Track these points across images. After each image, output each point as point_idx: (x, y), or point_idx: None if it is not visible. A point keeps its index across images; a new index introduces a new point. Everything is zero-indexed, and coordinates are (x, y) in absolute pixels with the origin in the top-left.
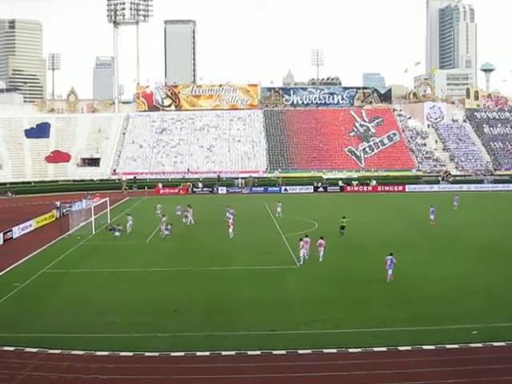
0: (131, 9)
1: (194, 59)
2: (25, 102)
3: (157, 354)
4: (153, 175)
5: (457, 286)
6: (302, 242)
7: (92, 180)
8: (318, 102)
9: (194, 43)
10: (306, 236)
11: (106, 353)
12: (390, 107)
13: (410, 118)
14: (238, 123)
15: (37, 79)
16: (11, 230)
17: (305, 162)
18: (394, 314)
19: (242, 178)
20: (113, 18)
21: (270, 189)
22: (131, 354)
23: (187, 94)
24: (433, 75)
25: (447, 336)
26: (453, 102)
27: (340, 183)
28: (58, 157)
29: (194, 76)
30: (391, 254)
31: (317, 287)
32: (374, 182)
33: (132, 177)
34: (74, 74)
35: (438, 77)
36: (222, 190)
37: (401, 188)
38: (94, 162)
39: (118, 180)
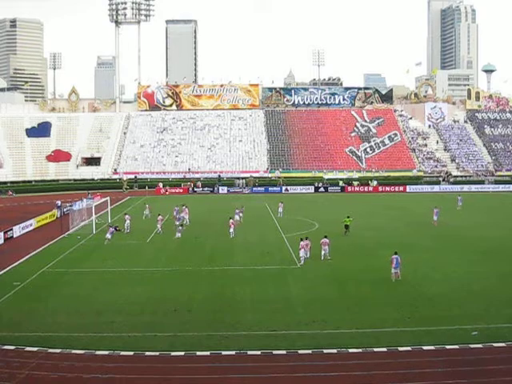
0: (133, 8)
1: (195, 59)
2: (26, 101)
3: (157, 353)
4: (153, 175)
5: (457, 287)
6: (302, 243)
7: (93, 179)
8: (319, 102)
9: (195, 43)
10: (306, 238)
11: (106, 352)
12: (391, 108)
13: (411, 118)
14: (239, 123)
15: (38, 78)
16: (12, 229)
17: (306, 162)
18: (394, 315)
19: (243, 178)
20: (114, 17)
21: (270, 189)
22: (131, 353)
23: (188, 94)
24: (434, 76)
25: (447, 337)
26: (454, 103)
27: (340, 183)
28: (59, 156)
29: (195, 76)
30: (396, 253)
31: (317, 287)
32: (374, 183)
33: (133, 176)
34: (75, 73)
35: (439, 77)
36: (223, 190)
37: (402, 188)
38: (94, 161)
39: (119, 179)
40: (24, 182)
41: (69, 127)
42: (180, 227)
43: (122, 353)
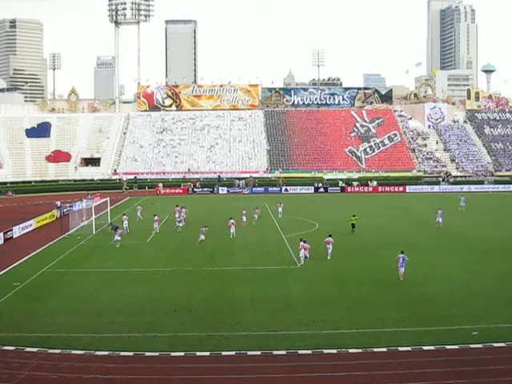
0: (132, 9)
1: (194, 59)
2: (26, 101)
3: (157, 353)
4: (153, 175)
5: (457, 287)
6: (302, 243)
7: (92, 180)
8: (319, 102)
9: (194, 43)
10: (305, 242)
11: (106, 352)
12: (391, 108)
13: (410, 118)
14: (238, 123)
15: (38, 79)
16: (11, 230)
17: (305, 162)
18: (394, 315)
19: (243, 179)
20: (114, 17)
21: (270, 189)
22: (131, 353)
23: (188, 94)
24: (433, 76)
25: (447, 337)
26: (453, 103)
27: (340, 184)
28: (59, 156)
29: (194, 76)
30: (402, 252)
31: (317, 288)
32: (374, 183)
33: (132, 177)
34: (74, 73)
35: (438, 77)
36: (223, 191)
37: (401, 189)
38: (94, 161)
39: (119, 180)
40: (24, 182)
41: (68, 127)
42: (180, 225)
43: (122, 353)
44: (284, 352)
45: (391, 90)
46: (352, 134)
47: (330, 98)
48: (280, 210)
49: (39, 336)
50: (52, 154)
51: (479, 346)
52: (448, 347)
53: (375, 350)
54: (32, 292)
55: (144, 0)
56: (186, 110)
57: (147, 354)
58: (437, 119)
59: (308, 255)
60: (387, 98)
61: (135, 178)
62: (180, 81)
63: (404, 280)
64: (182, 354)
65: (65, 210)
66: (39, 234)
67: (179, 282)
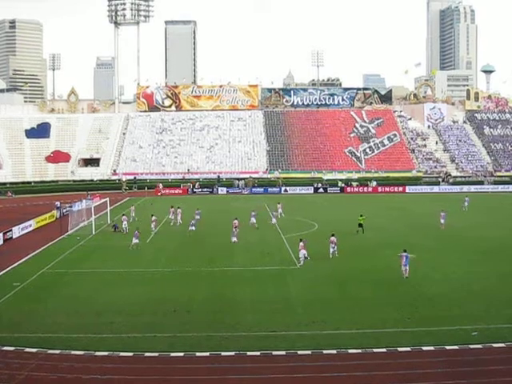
0: (132, 9)
1: (194, 60)
2: (25, 102)
3: (156, 354)
4: (153, 175)
5: (457, 287)
6: (301, 243)
7: (92, 180)
8: (319, 102)
9: (194, 44)
10: (302, 241)
11: (105, 353)
12: (391, 108)
13: (410, 119)
14: (238, 124)
15: (37, 79)
16: (11, 230)
17: (305, 162)
18: (393, 315)
19: (242, 179)
20: (113, 18)
21: (269, 189)
22: (131, 354)
23: (187, 95)
24: (433, 76)
25: (447, 337)
26: (453, 103)
27: (339, 184)
28: (59, 157)
29: (194, 76)
30: (405, 251)
31: (317, 288)
32: (374, 183)
33: (132, 177)
34: (74, 74)
35: (438, 78)
36: (222, 191)
37: (401, 189)
38: (94, 162)
39: (118, 180)
40: (23, 182)
41: (68, 128)
42: (193, 228)
43: (122, 354)
44: (284, 352)
45: (391, 90)
46: (351, 135)
47: (329, 98)
48: (280, 210)
49: (39, 336)
50: (51, 154)
51: (479, 346)
52: (448, 347)
53: (375, 350)
54: (32, 292)
55: (144, 0)
56: (185, 111)
57: (147, 354)
58: (436, 119)
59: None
60: (387, 98)
61: (135, 178)
62: (180, 81)
63: (409, 277)
64: (182, 354)
65: (64, 211)
66: (39, 235)
67: (179, 282)
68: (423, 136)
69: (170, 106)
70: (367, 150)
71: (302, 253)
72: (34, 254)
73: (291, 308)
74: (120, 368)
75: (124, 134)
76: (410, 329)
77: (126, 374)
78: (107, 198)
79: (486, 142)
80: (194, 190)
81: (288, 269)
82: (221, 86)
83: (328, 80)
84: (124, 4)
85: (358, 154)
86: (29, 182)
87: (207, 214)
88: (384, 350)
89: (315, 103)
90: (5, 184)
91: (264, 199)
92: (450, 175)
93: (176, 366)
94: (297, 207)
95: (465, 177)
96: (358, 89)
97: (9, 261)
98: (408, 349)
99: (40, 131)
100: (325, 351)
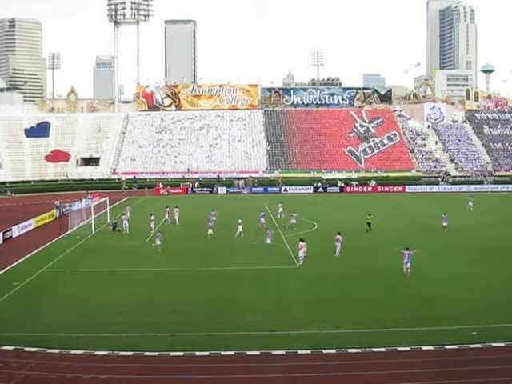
0: (132, 8)
1: (194, 59)
2: (25, 101)
3: (156, 353)
4: (152, 175)
5: (457, 287)
6: (301, 243)
7: (92, 179)
8: (318, 102)
9: (194, 43)
10: (303, 240)
11: (105, 352)
12: (390, 108)
13: (410, 118)
14: (238, 123)
15: (37, 78)
16: (11, 229)
17: (305, 162)
18: (393, 315)
19: (242, 178)
20: (113, 17)
21: (269, 189)
22: (130, 353)
23: (187, 94)
24: (433, 76)
25: (447, 337)
26: (453, 103)
27: (339, 183)
28: (58, 156)
29: (194, 76)
30: (407, 249)
31: (316, 288)
32: (373, 183)
33: (132, 176)
34: (74, 73)
35: (438, 78)
36: (222, 190)
37: (400, 189)
38: (93, 161)
39: (118, 180)
40: (23, 182)
41: (68, 127)
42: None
43: (121, 353)
44: (283, 352)
45: (390, 90)
46: (351, 134)
47: (329, 98)
48: (280, 209)
49: (38, 336)
50: (51, 153)
51: (478, 345)
52: (447, 347)
53: (374, 349)
54: (31, 292)
55: (143, 0)
56: (185, 110)
57: (146, 353)
58: (436, 119)
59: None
60: (386, 98)
61: (134, 177)
62: (179, 81)
63: (410, 275)
64: (182, 353)
65: (64, 210)
66: (38, 234)
67: (178, 282)
68: (423, 136)
69: (169, 106)
70: (367, 150)
71: (303, 251)
72: (33, 253)
73: (291, 308)
74: (120, 367)
75: (124, 133)
76: (410, 328)
77: (126, 374)
78: (107, 198)
79: (485, 141)
80: (194, 189)
81: (288, 268)
82: (221, 86)
83: (328, 79)
84: (124, 3)
85: (358, 154)
86: (28, 182)
87: (207, 214)
88: (383, 349)
89: (315, 103)
90: (4, 183)
91: (264, 199)
92: (449, 175)
93: (176, 365)
94: (296, 207)
95: (464, 176)
96: (358, 88)
97: (8, 260)
98: (407, 348)
99: (40, 130)
100: (324, 351)
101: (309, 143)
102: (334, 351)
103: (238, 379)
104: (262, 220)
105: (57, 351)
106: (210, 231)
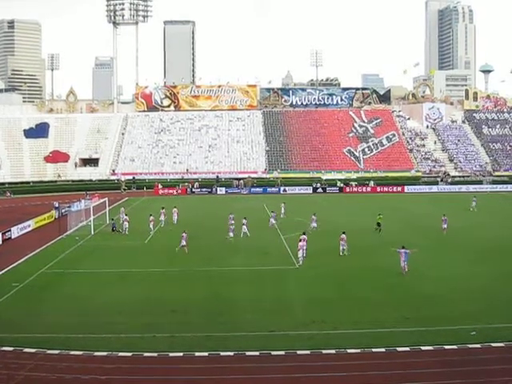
0: (130, 9)
1: (193, 60)
2: (24, 102)
3: (155, 354)
4: (152, 175)
5: (457, 287)
6: (300, 243)
7: (91, 180)
8: (317, 102)
9: (193, 44)
10: (304, 233)
11: (104, 353)
12: (389, 108)
13: (408, 118)
14: (237, 124)
15: (36, 79)
16: (10, 230)
17: (304, 162)
18: (392, 315)
19: (241, 179)
20: (112, 18)
21: (268, 189)
22: (130, 354)
23: (186, 95)
24: (432, 76)
25: (446, 337)
26: (452, 103)
27: (338, 184)
28: (57, 157)
29: (193, 76)
30: (403, 247)
31: (316, 288)
32: (371, 183)
33: (131, 177)
34: (73, 74)
35: (436, 78)
36: (221, 191)
37: (400, 189)
38: (92, 162)
39: (117, 180)
40: (22, 183)
41: (67, 128)
42: (232, 234)
43: (121, 354)
44: (283, 352)
45: (389, 90)
46: (350, 135)
47: (328, 98)
48: (282, 210)
49: (38, 336)
50: (50, 154)
51: (478, 345)
52: (447, 347)
53: (374, 350)
54: (30, 292)
55: (142, 0)
56: (184, 111)
57: (146, 354)
58: (435, 119)
59: (305, 253)
60: (385, 98)
61: (133, 178)
62: (178, 81)
63: (408, 274)
64: (181, 354)
65: (63, 211)
66: (38, 235)
67: (178, 282)
68: (422, 136)
69: (168, 106)
70: (366, 150)
71: (303, 249)
72: (32, 254)
73: (290, 308)
74: (119, 368)
75: (123, 133)
76: (409, 328)
77: (126, 374)
78: (106, 198)
79: (484, 141)
80: (193, 189)
81: (287, 268)
82: (219, 86)
83: (327, 80)
84: (123, 4)
85: (357, 154)
86: (27, 182)
87: (207, 214)
88: (383, 349)
89: (314, 103)
90: (3, 184)
91: (263, 199)
92: (448, 175)
93: (175, 365)
94: (295, 207)
95: (463, 176)
96: (357, 89)
97: (8, 261)
98: (407, 348)
99: (39, 131)
100: (324, 351)
101: (308, 143)
102: (333, 351)
103: (238, 380)
104: (272, 221)
105: (56, 352)
106: (231, 234)
